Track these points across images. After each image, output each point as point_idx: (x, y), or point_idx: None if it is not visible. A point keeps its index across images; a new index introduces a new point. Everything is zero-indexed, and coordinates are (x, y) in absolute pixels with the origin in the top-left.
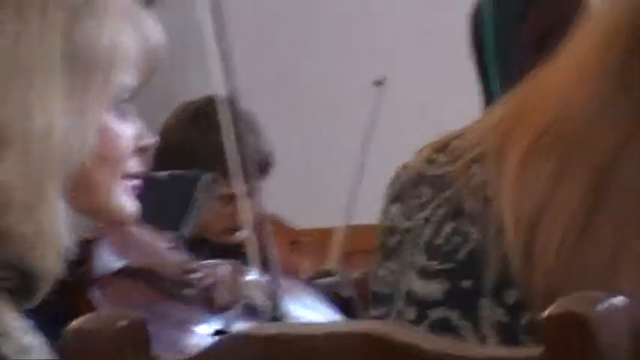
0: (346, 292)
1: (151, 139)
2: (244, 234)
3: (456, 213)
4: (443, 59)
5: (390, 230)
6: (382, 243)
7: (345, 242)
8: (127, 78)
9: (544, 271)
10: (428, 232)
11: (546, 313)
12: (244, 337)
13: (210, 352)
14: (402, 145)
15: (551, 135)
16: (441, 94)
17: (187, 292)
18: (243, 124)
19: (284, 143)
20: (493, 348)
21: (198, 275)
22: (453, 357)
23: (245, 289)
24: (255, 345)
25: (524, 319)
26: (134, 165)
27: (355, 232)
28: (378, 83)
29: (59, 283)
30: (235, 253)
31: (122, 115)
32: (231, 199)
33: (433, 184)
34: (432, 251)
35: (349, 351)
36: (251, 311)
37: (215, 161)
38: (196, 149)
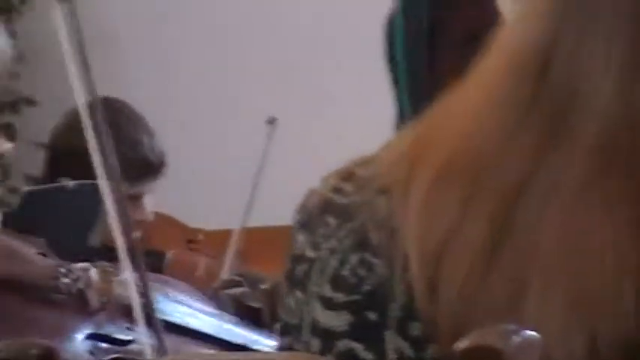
0: (255, 303)
1: (6, 145)
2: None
3: (362, 244)
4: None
5: (297, 259)
6: (289, 271)
7: (241, 243)
8: None
9: (449, 305)
10: (334, 262)
11: (460, 346)
12: None
13: None
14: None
15: (456, 167)
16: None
17: (58, 297)
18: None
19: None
20: None
21: (68, 280)
22: None
23: (117, 289)
24: None
25: (430, 352)
26: None
27: (252, 234)
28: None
29: None
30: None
31: None
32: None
33: (339, 213)
34: (337, 282)
35: None
36: (124, 311)
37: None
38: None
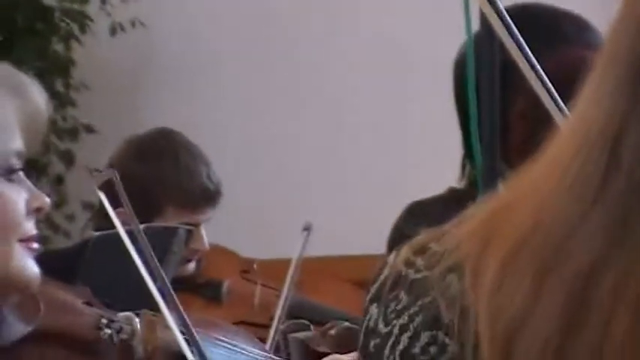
0: (321, 347)
1: (44, 199)
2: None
3: (433, 322)
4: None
5: (370, 332)
6: (363, 345)
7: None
8: (10, 143)
9: None
10: (405, 339)
11: None
12: None
13: None
14: None
15: (528, 247)
16: None
17: (102, 348)
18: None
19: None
20: None
21: (110, 330)
22: None
23: (162, 337)
24: None
25: None
26: (30, 227)
27: (309, 262)
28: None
29: None
30: (187, 284)
31: (12, 179)
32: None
33: (411, 289)
34: None
35: None
36: (171, 359)
37: (169, 193)
38: (145, 183)
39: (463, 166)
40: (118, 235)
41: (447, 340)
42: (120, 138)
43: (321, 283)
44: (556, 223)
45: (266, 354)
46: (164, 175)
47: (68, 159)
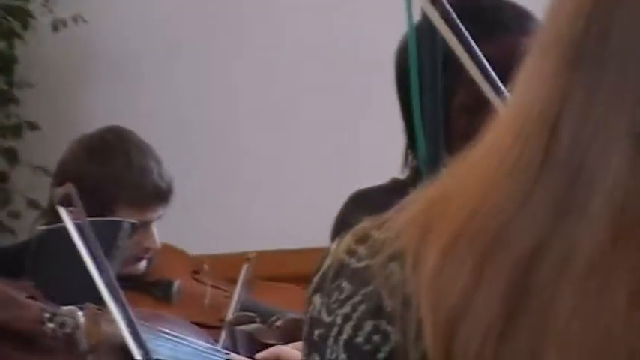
0: (268, 339)
1: None
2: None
3: (376, 311)
4: None
5: (314, 322)
6: (307, 335)
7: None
8: None
9: None
10: (348, 329)
11: None
12: None
13: None
14: None
15: (468, 233)
16: None
17: (45, 342)
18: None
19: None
20: None
21: (53, 324)
22: None
23: (106, 330)
24: None
25: None
26: None
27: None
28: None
29: None
30: (138, 283)
31: None
32: (136, 230)
33: (353, 278)
34: (352, 349)
35: None
36: (113, 352)
37: (121, 192)
38: (97, 182)
39: (406, 157)
40: (64, 229)
41: (389, 329)
42: (64, 135)
43: (271, 286)
44: (495, 209)
45: (211, 346)
46: (116, 174)
47: (12, 157)
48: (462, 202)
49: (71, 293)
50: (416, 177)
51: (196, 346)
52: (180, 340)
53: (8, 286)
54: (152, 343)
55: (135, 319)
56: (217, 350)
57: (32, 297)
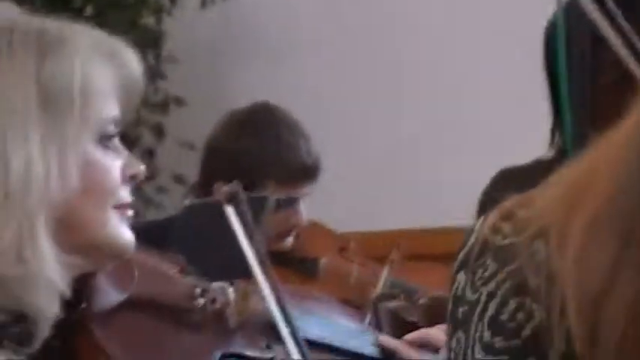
0: (411, 317)
1: (140, 167)
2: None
3: (520, 289)
4: None
5: (458, 300)
6: (451, 312)
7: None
8: (107, 110)
9: (610, 352)
10: (493, 306)
11: None
12: None
13: None
14: None
15: (608, 216)
16: None
17: (195, 318)
18: (292, 129)
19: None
20: None
21: (204, 300)
22: None
23: (255, 307)
24: None
25: None
26: (125, 195)
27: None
28: None
29: (59, 324)
30: (284, 259)
31: (108, 146)
32: (281, 206)
33: (498, 256)
34: (496, 327)
35: None
36: (263, 329)
37: (270, 169)
38: (246, 158)
39: (552, 136)
40: (210, 203)
41: (534, 307)
42: (210, 110)
43: (416, 266)
44: (635, 190)
45: (359, 327)
46: (265, 151)
47: (159, 132)
48: (604, 182)
49: (215, 269)
50: (561, 156)
51: (345, 327)
52: (329, 320)
53: (161, 261)
54: (301, 322)
55: (284, 298)
56: (366, 332)
57: (182, 272)
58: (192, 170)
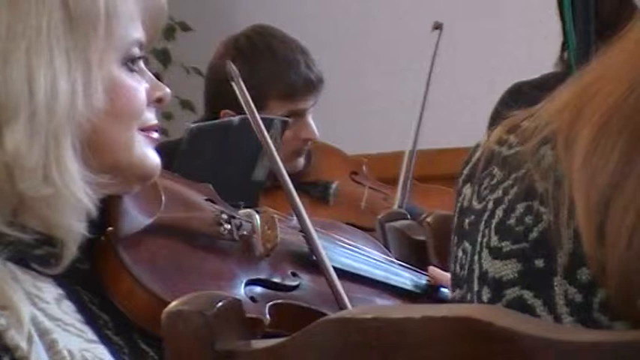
0: (418, 235)
1: (165, 90)
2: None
3: (528, 193)
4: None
5: (464, 211)
6: (457, 224)
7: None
8: (132, 32)
9: (618, 254)
10: (500, 212)
11: None
12: (338, 322)
13: (305, 336)
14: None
15: (619, 116)
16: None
17: (221, 243)
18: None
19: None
20: (592, 332)
21: (230, 226)
22: (555, 342)
23: (282, 236)
24: (348, 329)
25: (599, 297)
26: (151, 117)
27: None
28: (437, 27)
29: (86, 247)
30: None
31: (133, 69)
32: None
33: (504, 164)
34: (504, 231)
35: (446, 335)
36: (290, 257)
37: (269, 86)
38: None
39: (562, 51)
40: (215, 126)
41: (542, 209)
42: (216, 35)
43: (429, 190)
44: None
45: (386, 257)
46: (263, 71)
47: (165, 58)
48: (613, 85)
49: (221, 193)
50: (569, 71)
51: (372, 257)
52: (357, 250)
53: (189, 187)
54: (329, 251)
55: (311, 225)
56: (392, 261)
57: (210, 200)
58: (198, 96)
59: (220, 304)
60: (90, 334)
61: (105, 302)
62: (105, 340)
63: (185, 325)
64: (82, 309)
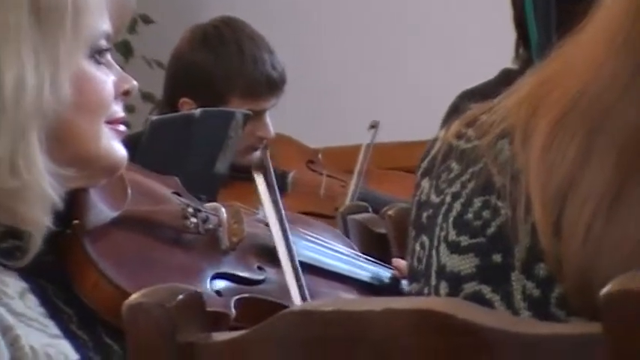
0: (380, 228)
1: (132, 82)
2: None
3: (485, 188)
4: None
5: (422, 205)
6: (415, 218)
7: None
8: (99, 24)
9: (574, 248)
10: (458, 206)
11: (605, 291)
12: (299, 314)
13: (267, 328)
14: None
15: (576, 111)
16: None
17: (187, 237)
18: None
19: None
20: (552, 325)
21: (196, 219)
22: (515, 334)
23: (249, 230)
24: (310, 321)
25: (556, 292)
26: (118, 110)
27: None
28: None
29: (52, 240)
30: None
31: (100, 61)
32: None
33: (462, 158)
34: (462, 226)
35: (407, 328)
36: (256, 251)
37: (233, 82)
38: (210, 71)
39: (517, 48)
40: (176, 119)
41: (499, 204)
42: (177, 28)
43: (387, 174)
44: (603, 88)
45: (353, 251)
46: (229, 64)
47: (126, 50)
48: (571, 80)
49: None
50: (527, 67)
51: (338, 250)
52: (323, 244)
53: (155, 180)
54: (295, 245)
55: (282, 220)
56: (358, 255)
57: (177, 193)
58: (160, 89)
59: (181, 296)
60: (53, 329)
61: (70, 295)
62: (69, 334)
63: (146, 318)
64: (46, 303)
